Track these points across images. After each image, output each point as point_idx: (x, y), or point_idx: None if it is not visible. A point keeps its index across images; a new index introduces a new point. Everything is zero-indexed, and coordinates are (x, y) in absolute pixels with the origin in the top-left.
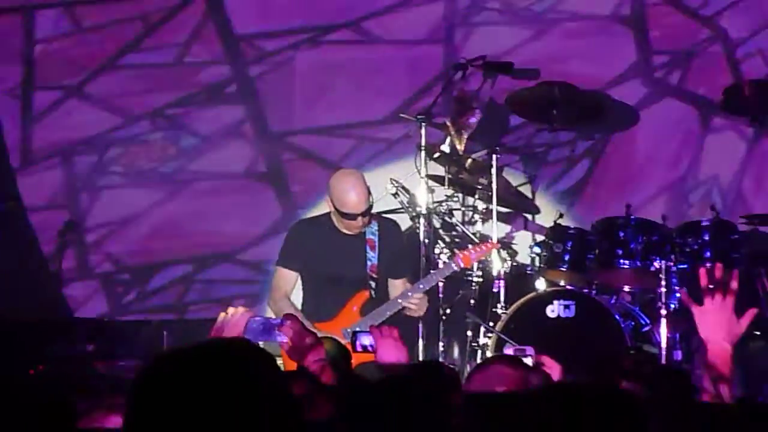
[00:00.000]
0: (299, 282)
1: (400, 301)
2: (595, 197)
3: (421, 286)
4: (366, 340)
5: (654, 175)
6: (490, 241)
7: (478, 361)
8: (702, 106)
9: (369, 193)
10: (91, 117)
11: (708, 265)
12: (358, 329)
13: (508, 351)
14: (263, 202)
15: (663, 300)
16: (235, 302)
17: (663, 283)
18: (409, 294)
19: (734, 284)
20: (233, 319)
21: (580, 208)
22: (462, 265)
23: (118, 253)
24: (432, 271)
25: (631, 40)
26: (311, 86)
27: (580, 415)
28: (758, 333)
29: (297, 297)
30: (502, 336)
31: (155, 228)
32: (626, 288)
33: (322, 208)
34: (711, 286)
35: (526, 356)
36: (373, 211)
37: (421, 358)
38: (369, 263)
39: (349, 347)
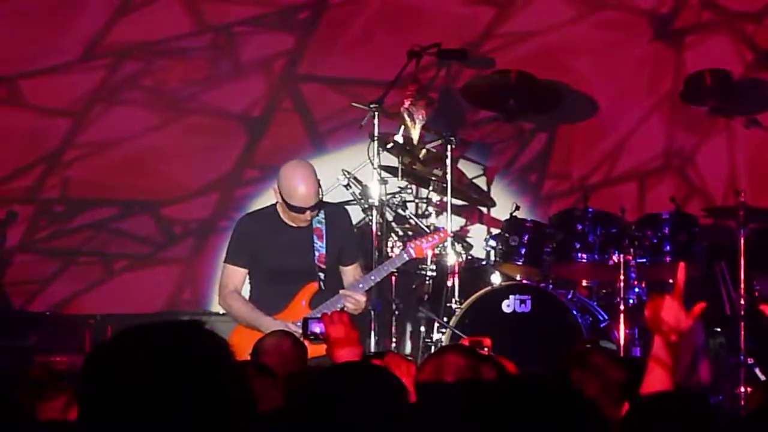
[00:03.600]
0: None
1: (342, 292)
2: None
3: (373, 278)
4: (316, 327)
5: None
6: (442, 229)
7: None
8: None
9: (319, 186)
10: (170, 19)
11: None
12: (308, 316)
13: (464, 342)
14: (226, 153)
15: (622, 295)
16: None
17: (622, 277)
18: (360, 286)
19: (680, 276)
20: None
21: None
22: (414, 255)
23: (75, 180)
24: (384, 262)
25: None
26: (359, 30)
27: (527, 407)
28: (718, 330)
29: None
30: (456, 331)
31: (122, 159)
32: (584, 282)
33: (267, 179)
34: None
35: (482, 347)
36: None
37: None
38: (317, 253)
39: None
